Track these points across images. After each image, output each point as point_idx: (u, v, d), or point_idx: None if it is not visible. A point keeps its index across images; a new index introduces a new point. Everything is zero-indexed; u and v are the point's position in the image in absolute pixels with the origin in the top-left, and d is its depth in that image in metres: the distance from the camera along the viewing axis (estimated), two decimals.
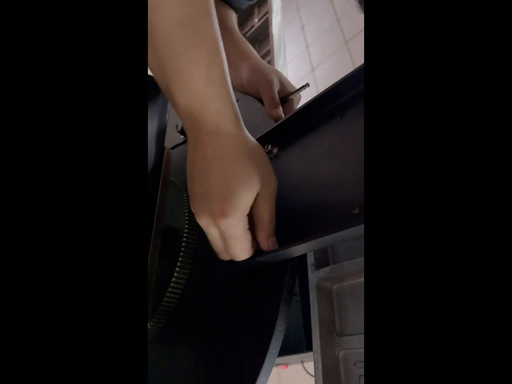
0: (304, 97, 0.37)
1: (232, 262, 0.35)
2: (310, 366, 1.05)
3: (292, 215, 0.35)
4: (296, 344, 0.60)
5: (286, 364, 1.02)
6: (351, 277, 0.35)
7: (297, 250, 0.32)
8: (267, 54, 1.02)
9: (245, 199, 0.31)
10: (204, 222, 0.33)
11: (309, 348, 0.58)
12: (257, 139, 0.42)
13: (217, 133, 0.31)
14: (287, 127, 0.39)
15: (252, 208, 0.33)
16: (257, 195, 0.32)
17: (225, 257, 0.36)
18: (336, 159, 0.33)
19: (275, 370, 1.27)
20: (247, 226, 0.33)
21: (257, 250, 0.34)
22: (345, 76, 0.33)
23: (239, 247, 0.33)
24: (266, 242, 0.33)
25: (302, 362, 0.95)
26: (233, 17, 0.63)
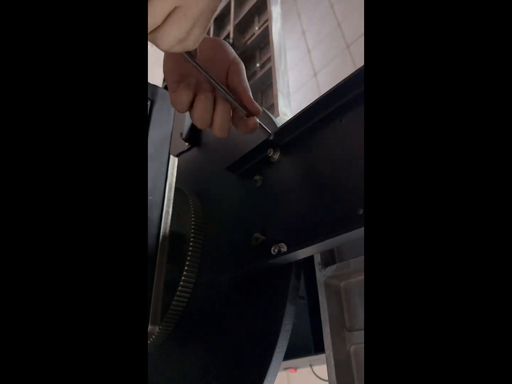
0: (307, 102, 0.38)
1: (240, 266, 0.36)
2: (319, 369, 1.05)
3: (297, 218, 0.35)
4: (304, 347, 0.60)
5: (295, 368, 1.02)
6: (357, 274, 0.35)
7: (305, 252, 0.33)
8: (268, 61, 1.03)
9: None
10: None
11: (317, 350, 0.58)
12: (259, 145, 0.43)
13: None
14: (288, 131, 0.40)
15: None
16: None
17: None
18: (338, 161, 0.34)
19: (284, 374, 1.26)
20: None
21: (266, 252, 0.35)
22: (342, 80, 0.34)
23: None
24: (253, 102, 0.36)
25: (311, 365, 0.95)
26: None
